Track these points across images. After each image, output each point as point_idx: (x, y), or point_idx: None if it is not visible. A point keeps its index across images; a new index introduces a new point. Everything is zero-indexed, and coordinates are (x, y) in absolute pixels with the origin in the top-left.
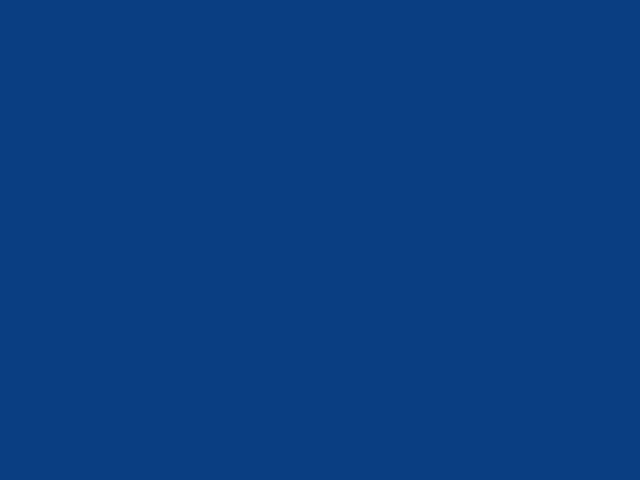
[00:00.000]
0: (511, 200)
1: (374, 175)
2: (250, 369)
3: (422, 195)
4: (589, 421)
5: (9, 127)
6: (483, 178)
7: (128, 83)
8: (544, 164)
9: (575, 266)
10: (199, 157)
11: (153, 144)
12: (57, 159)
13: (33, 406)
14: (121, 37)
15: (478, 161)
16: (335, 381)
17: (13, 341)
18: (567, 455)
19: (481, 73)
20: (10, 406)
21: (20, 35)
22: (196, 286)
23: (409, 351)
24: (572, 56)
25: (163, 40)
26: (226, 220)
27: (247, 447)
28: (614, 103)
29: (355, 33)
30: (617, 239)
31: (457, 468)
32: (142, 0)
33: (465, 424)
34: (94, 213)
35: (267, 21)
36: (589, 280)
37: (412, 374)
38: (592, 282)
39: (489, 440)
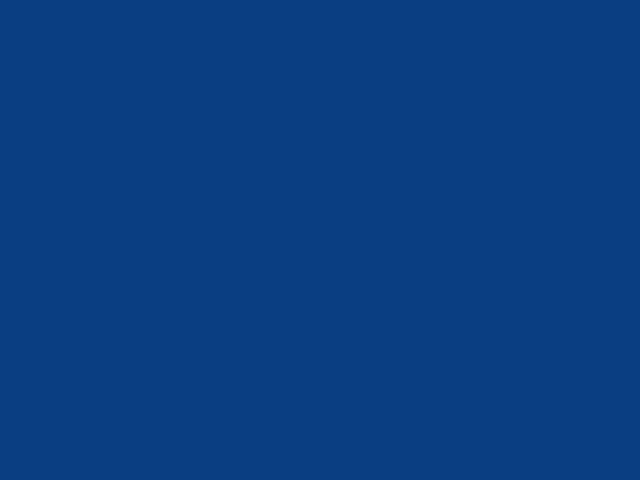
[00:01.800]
0: (511, 200)
1: (374, 175)
2: (250, 369)
3: (422, 195)
4: (589, 421)
5: (9, 127)
6: (483, 178)
7: (128, 83)
8: (544, 164)
9: (575, 266)
10: (199, 157)
11: (153, 144)
12: (57, 159)
13: (33, 406)
14: (121, 37)
15: (478, 161)
16: (335, 381)
17: (13, 341)
18: (567, 455)
19: (481, 73)
20: (10, 406)
21: (20, 35)
22: (196, 286)
23: (409, 351)
24: (572, 56)
25: (163, 40)
26: (226, 220)
27: (247, 447)
28: (614, 103)
29: (355, 33)
30: (617, 239)
31: (457, 468)
32: (142, 0)
33: (465, 424)
34: (94, 213)
35: (267, 21)
36: (589, 280)
37: (412, 374)
38: (592, 282)
39: (489, 440)
